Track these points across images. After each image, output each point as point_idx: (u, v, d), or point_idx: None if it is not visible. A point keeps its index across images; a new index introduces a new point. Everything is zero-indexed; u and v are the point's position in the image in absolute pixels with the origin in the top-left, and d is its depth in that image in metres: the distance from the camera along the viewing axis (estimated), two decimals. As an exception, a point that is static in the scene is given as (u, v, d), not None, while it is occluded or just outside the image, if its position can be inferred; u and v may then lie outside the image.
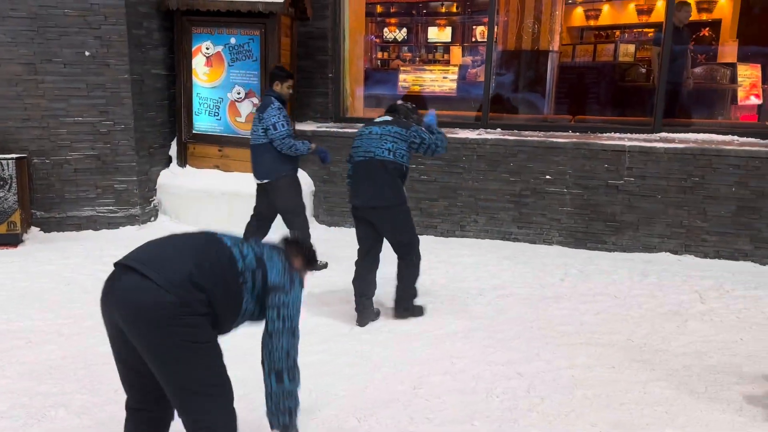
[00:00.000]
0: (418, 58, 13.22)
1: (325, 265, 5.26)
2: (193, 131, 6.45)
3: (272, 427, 2.34)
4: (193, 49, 6.33)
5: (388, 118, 4.23)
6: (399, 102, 4.46)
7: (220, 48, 6.23)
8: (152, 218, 6.51)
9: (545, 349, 3.81)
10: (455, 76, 8.89)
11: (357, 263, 4.27)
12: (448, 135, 6.16)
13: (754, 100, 7.36)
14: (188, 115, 6.43)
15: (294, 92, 5.13)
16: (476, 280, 5.04)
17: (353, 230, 6.38)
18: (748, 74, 7.40)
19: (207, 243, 2.28)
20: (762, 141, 5.69)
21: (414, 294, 4.28)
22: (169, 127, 6.60)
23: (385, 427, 2.99)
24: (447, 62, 12.49)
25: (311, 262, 2.57)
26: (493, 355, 3.74)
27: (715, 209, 5.49)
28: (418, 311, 4.30)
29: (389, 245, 4.24)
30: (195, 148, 6.50)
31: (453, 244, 6.01)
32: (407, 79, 9.04)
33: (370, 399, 3.23)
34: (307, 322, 4.10)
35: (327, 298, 4.57)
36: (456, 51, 12.80)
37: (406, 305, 4.25)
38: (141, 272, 2.06)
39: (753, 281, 5.01)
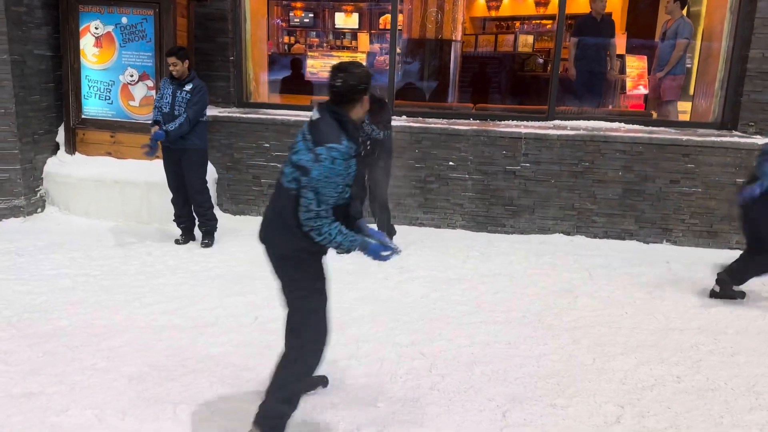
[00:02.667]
0: (325, 44, 13.10)
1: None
2: (83, 116, 6.06)
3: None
4: (80, 28, 5.93)
5: None
6: None
7: (110, 28, 5.87)
8: (39, 209, 6.07)
9: (447, 328, 3.93)
10: (363, 63, 8.87)
11: None
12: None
13: (642, 90, 7.89)
14: (76, 98, 6.03)
15: (179, 69, 5.08)
16: (382, 265, 5.08)
17: (258, 218, 6.33)
18: (635, 65, 7.91)
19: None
20: (645, 128, 6.12)
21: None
22: (55, 111, 6.16)
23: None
24: (355, 49, 12.46)
25: (377, 102, 2.99)
26: (398, 337, 3.80)
27: (604, 192, 5.86)
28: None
29: None
30: (85, 134, 6.11)
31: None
32: (315, 65, 8.95)
33: (274, 387, 3.19)
34: (209, 313, 4.03)
35: (229, 288, 4.47)
36: (363, 38, 12.80)
37: None
38: None
39: (637, 259, 5.39)
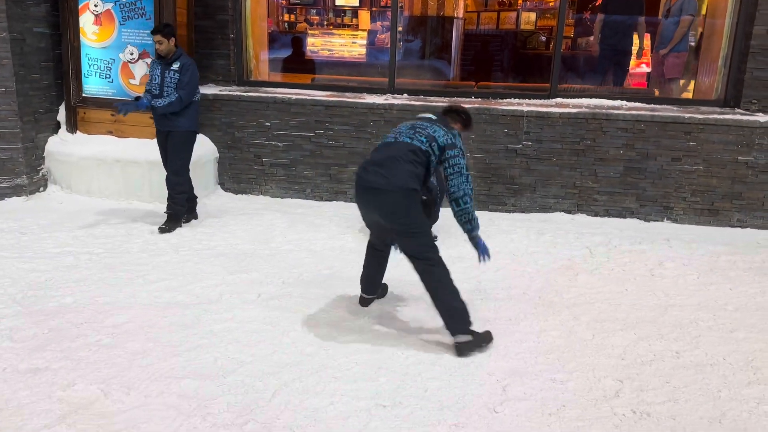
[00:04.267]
0: (326, 22, 12.98)
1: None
2: (83, 95, 6.04)
3: (468, 233, 3.49)
4: (80, 6, 5.89)
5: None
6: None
7: (109, 5, 5.83)
8: (41, 188, 6.09)
9: (448, 306, 3.95)
10: (364, 42, 8.83)
11: None
12: (356, 100, 6.16)
13: (645, 68, 7.84)
14: (77, 77, 6.01)
15: (164, 47, 4.99)
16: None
17: (260, 197, 6.36)
18: (638, 43, 7.86)
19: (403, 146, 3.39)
20: (647, 105, 6.09)
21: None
22: (56, 90, 6.14)
23: (291, 389, 3.01)
24: (356, 27, 12.36)
25: (468, 123, 3.68)
26: (400, 314, 3.84)
27: (605, 170, 5.85)
28: None
29: None
30: (86, 112, 6.10)
31: (361, 209, 6.04)
32: (315, 44, 8.89)
33: (277, 362, 3.23)
34: (212, 291, 4.06)
35: (232, 266, 4.50)
36: (364, 15, 12.65)
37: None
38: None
39: (638, 237, 5.41)
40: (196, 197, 5.47)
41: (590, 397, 3.03)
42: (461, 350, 3.32)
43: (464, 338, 3.32)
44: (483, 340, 3.39)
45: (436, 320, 3.73)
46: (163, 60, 5.04)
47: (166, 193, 5.31)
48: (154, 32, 4.97)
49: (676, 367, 3.32)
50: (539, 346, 3.51)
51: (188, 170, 5.29)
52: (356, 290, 4.06)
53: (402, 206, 3.29)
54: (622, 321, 3.84)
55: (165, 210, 5.28)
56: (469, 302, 4.00)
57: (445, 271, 3.39)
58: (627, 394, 3.06)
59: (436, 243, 3.50)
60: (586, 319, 3.85)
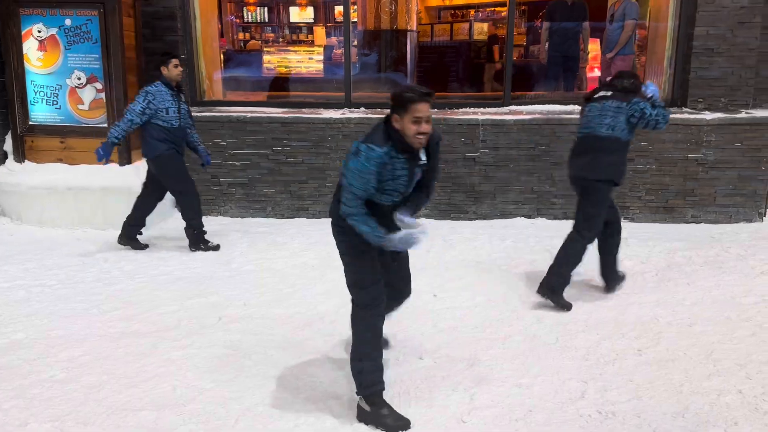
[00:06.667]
0: (281, 39, 12.96)
1: (216, 247, 5.27)
2: (30, 122, 5.87)
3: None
4: (23, 32, 5.74)
5: (608, 93, 4.07)
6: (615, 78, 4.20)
7: (54, 30, 5.69)
8: (-11, 221, 5.87)
9: (412, 317, 3.92)
10: (321, 57, 8.82)
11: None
12: (312, 116, 6.13)
13: (597, 72, 8.03)
14: (23, 105, 5.84)
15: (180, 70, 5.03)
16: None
17: (219, 218, 6.25)
18: (590, 48, 8.04)
19: None
20: (598, 109, 6.20)
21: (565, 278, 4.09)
22: (1, 119, 5.95)
23: (255, 413, 2.94)
24: (311, 43, 12.37)
25: (397, 102, 2.72)
26: (364, 330, 3.79)
27: (561, 174, 5.92)
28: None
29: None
30: (33, 141, 5.92)
31: (325, 225, 5.94)
32: (272, 61, 8.83)
33: (240, 387, 3.16)
34: (170, 317, 3.96)
35: (190, 290, 4.40)
36: (320, 31, 12.68)
37: (553, 284, 4.05)
38: None
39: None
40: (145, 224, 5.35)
41: (556, 400, 3.04)
42: (359, 414, 2.91)
43: (365, 405, 2.88)
44: (384, 421, 2.82)
45: (401, 333, 3.72)
46: (172, 89, 4.96)
47: (120, 219, 5.21)
48: (174, 56, 4.99)
49: (638, 365, 3.36)
50: (505, 352, 3.51)
51: None
52: (318, 305, 4.01)
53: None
54: (583, 322, 3.87)
55: (195, 231, 5.26)
56: (434, 312, 4.00)
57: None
58: (592, 395, 3.07)
59: None
60: (549, 322, 3.88)
